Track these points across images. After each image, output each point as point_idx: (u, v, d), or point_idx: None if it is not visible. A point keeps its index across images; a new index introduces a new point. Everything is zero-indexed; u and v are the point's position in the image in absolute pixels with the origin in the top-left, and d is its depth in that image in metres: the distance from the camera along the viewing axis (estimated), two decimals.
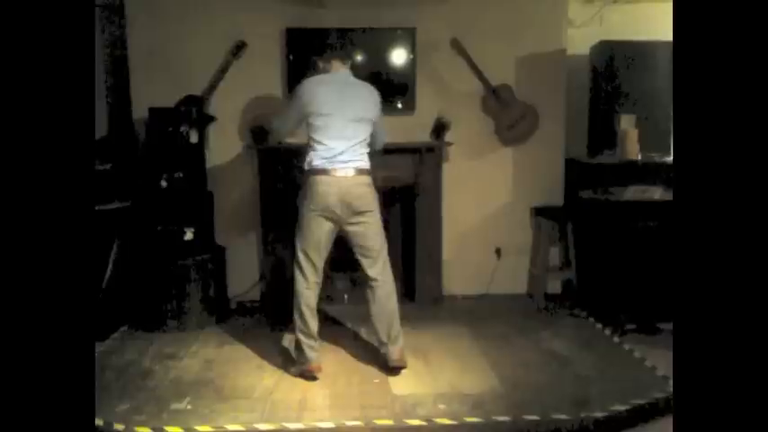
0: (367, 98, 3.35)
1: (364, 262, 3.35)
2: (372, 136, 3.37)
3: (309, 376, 3.26)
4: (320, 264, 3.32)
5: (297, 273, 3.33)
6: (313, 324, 3.31)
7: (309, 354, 3.29)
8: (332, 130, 3.22)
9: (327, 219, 3.24)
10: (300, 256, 3.31)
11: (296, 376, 3.30)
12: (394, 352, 3.33)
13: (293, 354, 3.43)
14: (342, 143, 3.22)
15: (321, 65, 3.37)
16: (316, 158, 3.24)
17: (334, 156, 3.21)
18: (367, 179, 3.30)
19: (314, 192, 3.21)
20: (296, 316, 3.32)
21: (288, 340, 3.62)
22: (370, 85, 3.42)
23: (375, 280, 3.34)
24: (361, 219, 3.27)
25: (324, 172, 3.21)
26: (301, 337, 3.30)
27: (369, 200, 3.28)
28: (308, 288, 3.31)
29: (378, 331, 3.37)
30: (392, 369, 3.32)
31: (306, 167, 3.29)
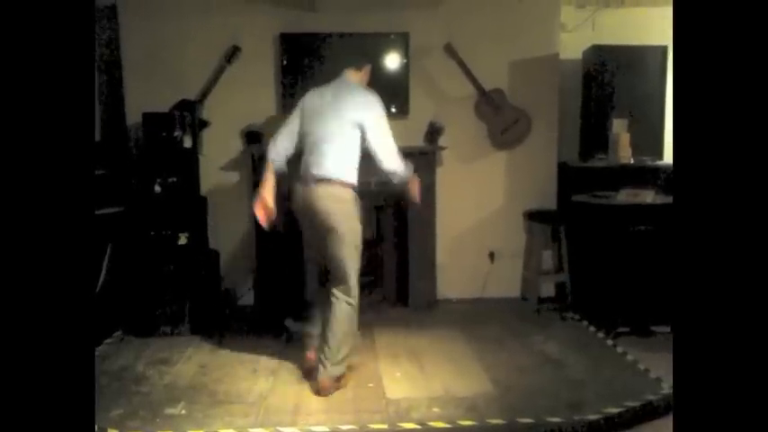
0: (358, 105, 3.11)
1: (330, 271, 3.18)
2: (371, 152, 3.10)
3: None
4: (319, 259, 3.27)
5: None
6: (313, 315, 3.34)
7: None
8: (315, 135, 3.09)
9: (311, 225, 3.18)
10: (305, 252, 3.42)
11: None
12: (320, 376, 3.11)
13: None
14: (321, 150, 3.06)
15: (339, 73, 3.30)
16: (300, 165, 3.17)
17: (311, 163, 3.08)
18: (337, 189, 3.04)
19: (295, 200, 3.21)
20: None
21: None
22: (371, 95, 3.19)
23: (334, 295, 3.12)
24: (325, 226, 3.07)
25: (301, 179, 3.14)
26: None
27: (335, 209, 3.04)
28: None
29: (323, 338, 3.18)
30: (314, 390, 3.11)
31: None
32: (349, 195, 3.10)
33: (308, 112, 3.16)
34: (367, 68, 3.35)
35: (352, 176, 3.10)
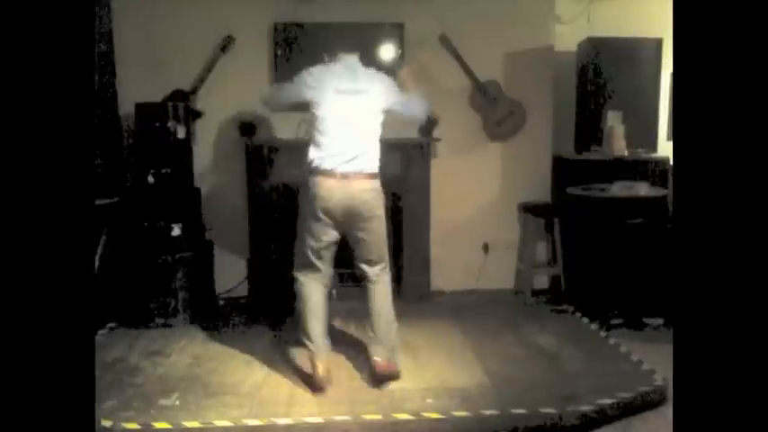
0: (380, 90, 3.12)
1: (364, 263, 3.18)
2: (402, 110, 3.22)
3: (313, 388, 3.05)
4: (326, 269, 3.18)
5: (300, 281, 3.18)
6: (317, 333, 3.12)
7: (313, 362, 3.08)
8: (339, 126, 3.01)
9: (331, 226, 3.05)
10: (303, 262, 3.16)
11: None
12: (380, 356, 3.13)
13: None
14: (350, 142, 2.99)
15: (327, 58, 3.21)
16: (320, 155, 3.00)
17: (340, 155, 2.98)
18: (373, 183, 3.07)
19: (315, 195, 2.99)
20: (302, 326, 3.16)
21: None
22: (383, 75, 3.21)
23: (370, 278, 3.20)
24: (365, 223, 3.06)
25: (327, 173, 2.97)
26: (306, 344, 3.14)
27: (373, 205, 3.06)
28: (313, 293, 3.16)
29: (371, 326, 3.21)
30: (376, 379, 3.11)
31: (307, 166, 3.05)
32: (379, 186, 3.13)
33: (328, 100, 3.03)
34: (356, 54, 3.24)
35: (378, 166, 3.13)
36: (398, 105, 3.20)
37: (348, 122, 3.03)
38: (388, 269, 3.26)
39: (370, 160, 3.07)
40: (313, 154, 3.04)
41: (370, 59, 4.43)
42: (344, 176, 2.98)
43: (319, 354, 3.08)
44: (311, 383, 3.06)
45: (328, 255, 3.16)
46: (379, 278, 3.20)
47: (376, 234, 3.12)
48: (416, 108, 3.31)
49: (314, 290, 3.17)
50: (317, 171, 3.01)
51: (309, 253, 3.12)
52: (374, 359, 3.14)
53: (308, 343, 3.12)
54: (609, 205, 4.18)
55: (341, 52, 3.18)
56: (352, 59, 3.17)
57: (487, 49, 4.64)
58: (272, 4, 4.49)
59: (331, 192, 2.98)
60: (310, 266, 3.15)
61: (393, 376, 3.14)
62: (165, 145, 4.12)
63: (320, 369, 3.03)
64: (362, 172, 3.02)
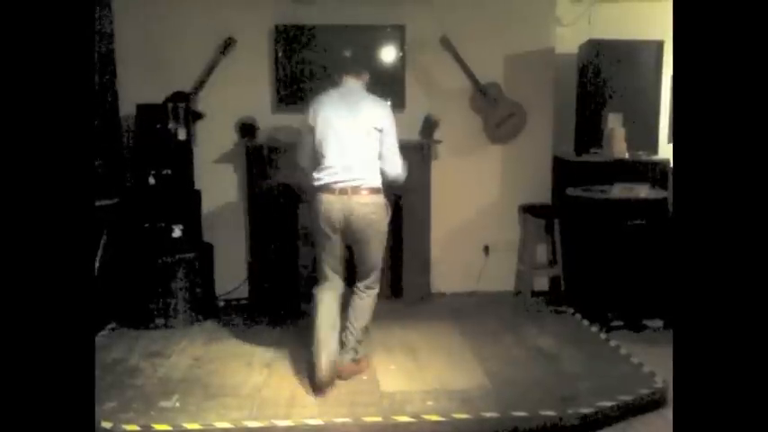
0: (374, 110, 3.20)
1: (357, 270, 3.32)
2: (382, 157, 3.20)
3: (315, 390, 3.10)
4: (339, 278, 3.30)
5: (314, 295, 3.27)
6: (319, 361, 3.10)
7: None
8: (336, 144, 3.11)
9: (337, 238, 3.19)
10: (319, 274, 3.30)
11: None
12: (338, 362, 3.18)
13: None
14: (346, 158, 3.11)
15: (336, 80, 3.32)
16: (320, 174, 3.14)
17: (338, 171, 3.10)
18: (373, 198, 3.15)
19: (318, 210, 3.14)
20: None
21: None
22: (381, 100, 3.30)
23: (359, 289, 3.32)
24: (362, 236, 3.17)
25: (327, 189, 3.11)
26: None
27: (372, 219, 3.15)
28: (323, 309, 3.21)
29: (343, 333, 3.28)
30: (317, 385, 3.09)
31: (312, 183, 3.19)
32: (383, 200, 3.22)
33: (324, 123, 3.14)
34: (365, 77, 3.32)
35: (380, 180, 3.22)
36: (386, 145, 3.21)
37: (344, 141, 3.13)
38: (375, 285, 3.35)
39: (369, 176, 3.16)
40: (316, 174, 3.17)
41: (370, 61, 4.50)
42: (343, 191, 3.11)
43: (320, 368, 3.08)
44: (312, 383, 3.11)
45: (339, 266, 3.28)
46: (362, 293, 3.32)
47: (370, 248, 3.23)
48: (396, 166, 3.28)
49: (324, 304, 3.21)
50: (319, 188, 3.16)
51: (324, 265, 3.27)
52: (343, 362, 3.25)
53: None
54: (609, 207, 4.18)
55: (347, 75, 3.28)
56: (353, 84, 3.27)
57: (488, 51, 4.64)
58: (272, 6, 4.49)
59: (331, 205, 3.11)
60: (324, 277, 3.28)
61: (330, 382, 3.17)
62: (166, 146, 4.12)
63: (322, 372, 3.07)
64: (361, 187, 3.13)
